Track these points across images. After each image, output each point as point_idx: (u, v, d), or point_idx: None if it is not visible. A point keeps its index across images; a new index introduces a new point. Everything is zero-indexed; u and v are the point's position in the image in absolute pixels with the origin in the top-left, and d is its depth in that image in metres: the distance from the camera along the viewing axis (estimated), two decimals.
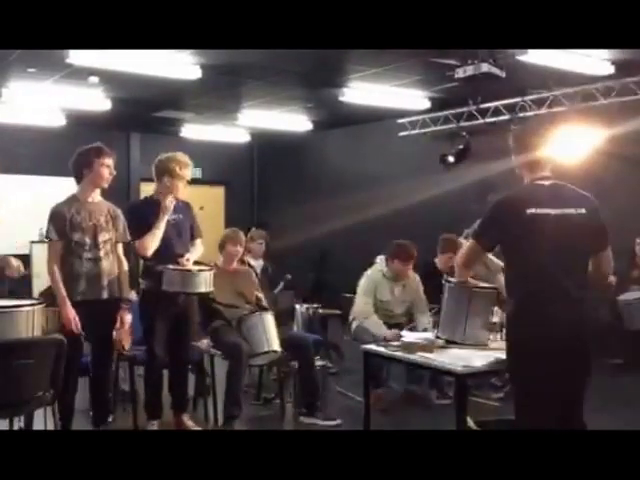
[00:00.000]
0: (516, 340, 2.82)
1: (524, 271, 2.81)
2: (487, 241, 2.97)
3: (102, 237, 4.04)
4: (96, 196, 4.13)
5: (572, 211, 2.78)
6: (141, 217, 4.31)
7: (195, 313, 4.54)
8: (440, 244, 5.54)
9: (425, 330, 4.58)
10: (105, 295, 4.04)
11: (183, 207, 4.50)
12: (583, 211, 2.79)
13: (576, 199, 2.84)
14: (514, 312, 2.84)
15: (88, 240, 4.00)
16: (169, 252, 4.29)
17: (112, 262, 4.10)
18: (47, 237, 4.05)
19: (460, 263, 3.19)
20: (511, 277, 2.89)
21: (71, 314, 3.86)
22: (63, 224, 3.98)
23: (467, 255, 3.12)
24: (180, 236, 4.39)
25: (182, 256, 4.32)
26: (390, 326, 4.88)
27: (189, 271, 4.25)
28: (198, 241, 4.56)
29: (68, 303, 3.89)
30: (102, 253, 4.04)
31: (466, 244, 3.18)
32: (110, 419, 4.25)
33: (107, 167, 4.08)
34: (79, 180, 4.12)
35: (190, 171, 4.46)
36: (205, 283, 4.27)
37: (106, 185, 4.13)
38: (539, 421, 2.68)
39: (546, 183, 2.87)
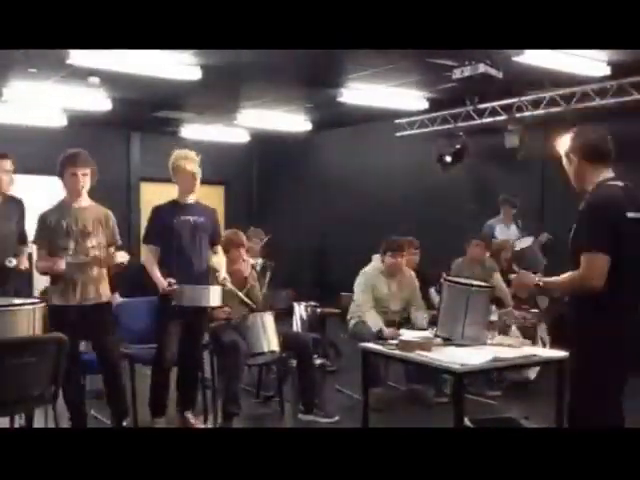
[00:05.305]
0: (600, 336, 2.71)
1: (619, 277, 2.66)
2: (607, 246, 2.66)
3: (89, 242, 4.02)
4: (83, 201, 4.11)
5: None
6: (160, 219, 4.34)
7: (207, 315, 4.54)
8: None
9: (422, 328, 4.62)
10: (90, 300, 4.02)
11: (205, 210, 4.53)
12: None
13: None
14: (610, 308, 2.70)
15: (72, 245, 3.98)
16: (182, 256, 4.29)
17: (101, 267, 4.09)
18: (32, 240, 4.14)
19: (597, 282, 2.67)
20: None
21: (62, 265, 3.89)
22: (42, 229, 4.02)
23: (599, 270, 2.66)
24: (197, 238, 4.37)
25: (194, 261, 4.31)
26: (387, 324, 4.92)
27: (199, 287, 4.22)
28: (219, 248, 4.59)
29: (58, 260, 3.90)
30: (89, 259, 4.01)
31: (591, 260, 2.67)
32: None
33: (75, 176, 4.01)
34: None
35: (194, 164, 4.44)
36: (214, 298, 4.26)
37: (80, 195, 4.07)
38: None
39: (620, 184, 2.79)
